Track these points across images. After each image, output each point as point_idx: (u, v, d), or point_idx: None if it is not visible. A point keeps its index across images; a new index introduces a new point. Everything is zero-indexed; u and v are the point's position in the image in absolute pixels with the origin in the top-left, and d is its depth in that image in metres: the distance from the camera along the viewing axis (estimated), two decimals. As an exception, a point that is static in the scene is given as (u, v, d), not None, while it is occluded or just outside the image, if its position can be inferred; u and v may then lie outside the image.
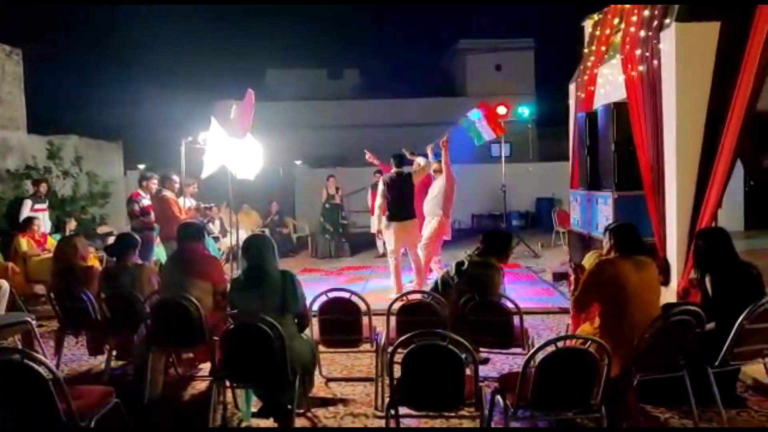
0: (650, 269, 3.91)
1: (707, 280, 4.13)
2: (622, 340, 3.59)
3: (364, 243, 11.90)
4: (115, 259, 5.17)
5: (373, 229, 8.44)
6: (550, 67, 19.49)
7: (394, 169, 7.79)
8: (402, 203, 7.61)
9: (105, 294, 4.87)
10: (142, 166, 14.76)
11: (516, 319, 4.33)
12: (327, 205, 11.73)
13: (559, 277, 8.40)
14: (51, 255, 6.69)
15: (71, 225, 8.19)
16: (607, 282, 3.82)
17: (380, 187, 7.76)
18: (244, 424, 4.06)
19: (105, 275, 5.02)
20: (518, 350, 4.42)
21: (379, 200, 7.76)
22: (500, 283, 4.54)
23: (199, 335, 4.28)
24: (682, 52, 6.07)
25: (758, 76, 5.44)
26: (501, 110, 11.07)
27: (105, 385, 4.00)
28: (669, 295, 5.90)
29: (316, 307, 4.54)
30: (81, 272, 5.30)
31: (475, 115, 9.27)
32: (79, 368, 5.41)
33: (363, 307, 4.53)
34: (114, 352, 5.01)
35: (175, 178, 7.95)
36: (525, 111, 11.69)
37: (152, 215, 7.63)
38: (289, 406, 3.67)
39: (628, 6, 7.38)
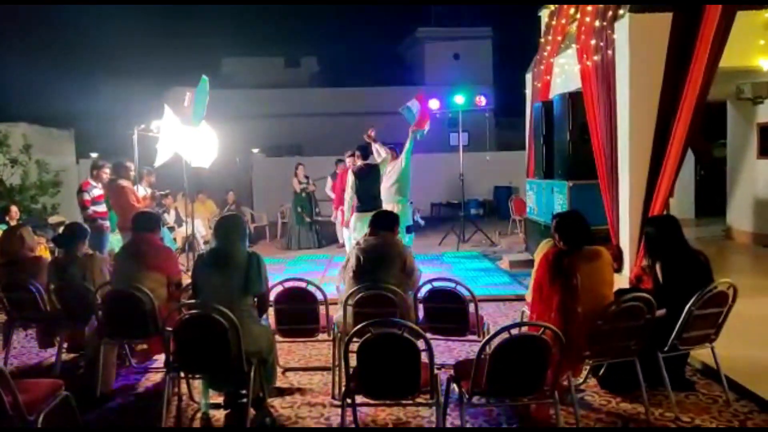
0: (601, 259, 3.91)
1: (658, 266, 4.23)
2: (573, 333, 3.61)
3: (330, 233, 11.76)
4: (64, 249, 4.99)
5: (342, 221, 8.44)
6: (508, 56, 19.68)
7: (361, 161, 7.78)
8: (373, 194, 7.64)
9: (54, 285, 4.72)
10: (94, 155, 14.35)
11: (471, 307, 4.36)
12: (303, 195, 11.38)
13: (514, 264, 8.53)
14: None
15: (14, 214, 7.90)
16: (561, 273, 3.81)
17: (350, 178, 7.72)
18: (200, 415, 4.00)
19: (54, 266, 4.87)
20: (474, 337, 4.46)
21: (349, 192, 7.73)
22: None
23: (151, 326, 4.19)
24: (635, 43, 6.20)
25: (709, 66, 5.58)
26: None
27: (56, 378, 3.89)
28: (622, 281, 6.05)
29: (272, 296, 4.48)
30: (29, 263, 5.13)
31: (415, 106, 9.31)
32: (29, 361, 5.24)
33: (320, 296, 4.50)
34: (65, 345, 4.90)
35: (130, 165, 7.74)
36: (482, 100, 11.75)
37: (104, 205, 7.41)
38: (244, 399, 3.63)
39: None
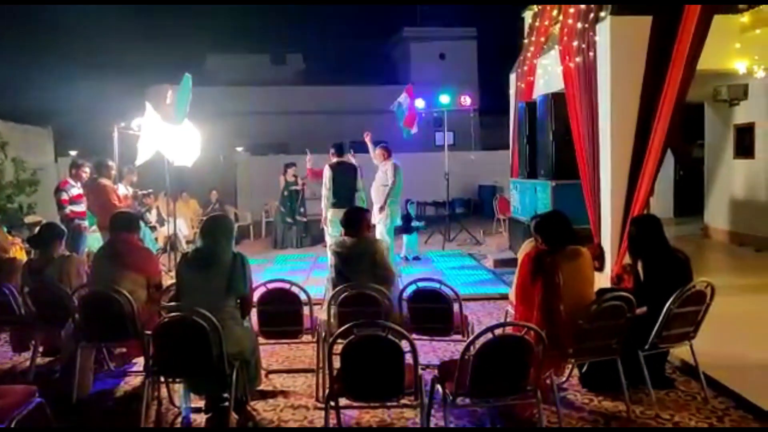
0: (582, 258, 3.94)
1: (639, 265, 4.26)
2: (555, 331, 3.64)
3: (317, 233, 11.63)
4: (39, 250, 4.90)
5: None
6: (492, 56, 19.72)
7: (335, 158, 7.80)
8: (346, 192, 7.65)
9: (29, 287, 4.63)
10: (74, 153, 14.14)
11: (456, 306, 4.35)
12: (286, 193, 11.24)
13: (499, 263, 8.58)
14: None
15: None
16: (543, 271, 3.84)
17: (327, 173, 7.75)
18: (180, 420, 3.95)
19: (29, 268, 4.77)
20: (458, 337, 4.46)
21: (327, 186, 7.77)
22: None
23: (130, 329, 4.12)
24: (616, 45, 6.24)
25: (688, 68, 5.65)
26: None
27: (31, 383, 3.82)
28: (603, 280, 6.10)
29: (255, 297, 4.44)
30: (2, 265, 5.06)
31: (405, 102, 9.46)
32: (2, 366, 5.13)
33: (304, 297, 4.47)
34: (40, 348, 4.80)
35: (112, 164, 7.64)
36: (467, 100, 11.78)
37: (82, 204, 7.30)
38: (226, 403, 3.59)
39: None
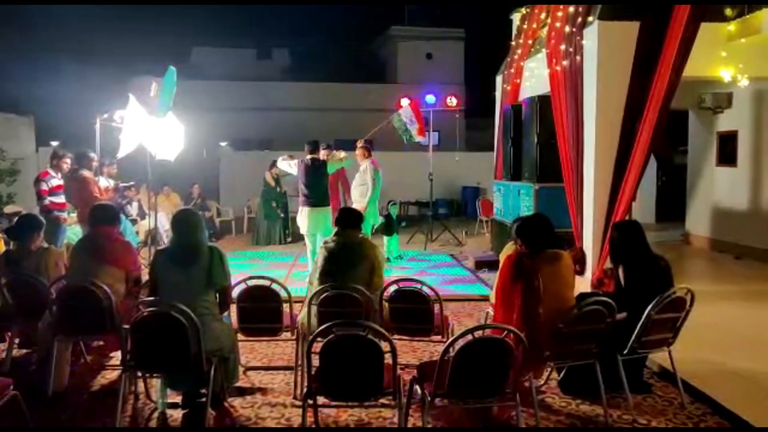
0: (562, 262, 3.95)
1: (620, 270, 4.29)
2: (534, 333, 3.64)
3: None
4: (17, 242, 4.82)
5: None
6: (479, 57, 19.78)
7: (308, 156, 7.78)
8: (315, 189, 7.63)
9: (6, 279, 4.54)
10: (55, 143, 13.94)
11: (436, 307, 4.35)
12: (278, 189, 11.18)
13: (481, 264, 8.59)
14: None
15: None
16: (522, 274, 3.85)
17: (300, 169, 7.77)
18: (157, 415, 3.91)
19: (6, 259, 4.69)
20: (438, 338, 4.45)
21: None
22: None
23: (108, 322, 4.07)
24: (603, 50, 6.28)
25: (673, 75, 5.71)
26: (429, 99, 11.15)
27: (5, 375, 3.75)
28: (584, 284, 6.14)
29: (235, 294, 4.40)
30: (-23, 256, 4.93)
31: (406, 114, 9.51)
32: (-24, 358, 5.04)
33: (284, 294, 4.43)
34: (16, 341, 4.72)
35: (93, 156, 7.54)
36: (453, 101, 11.82)
37: (62, 196, 7.20)
38: (203, 399, 3.55)
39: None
